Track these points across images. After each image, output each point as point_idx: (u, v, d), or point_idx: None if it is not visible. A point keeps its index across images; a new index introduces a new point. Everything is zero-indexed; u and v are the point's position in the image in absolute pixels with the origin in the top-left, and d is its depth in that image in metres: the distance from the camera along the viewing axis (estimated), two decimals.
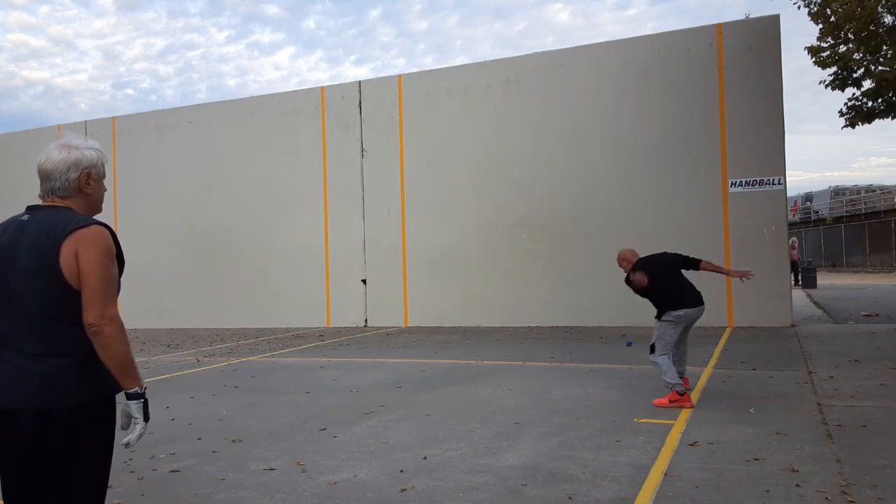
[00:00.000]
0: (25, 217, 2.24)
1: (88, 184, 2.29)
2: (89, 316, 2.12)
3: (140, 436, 2.25)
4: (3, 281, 2.17)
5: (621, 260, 6.50)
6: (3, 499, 2.21)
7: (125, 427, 2.27)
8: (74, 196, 2.27)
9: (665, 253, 6.63)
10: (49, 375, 2.12)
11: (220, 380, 8.15)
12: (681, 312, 6.08)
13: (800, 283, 22.98)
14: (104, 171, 2.36)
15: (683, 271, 6.51)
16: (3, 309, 2.18)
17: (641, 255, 6.52)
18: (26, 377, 2.12)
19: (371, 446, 4.89)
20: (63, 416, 2.12)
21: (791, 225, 27.06)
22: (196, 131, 16.43)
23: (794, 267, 23.56)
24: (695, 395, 6.20)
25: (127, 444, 2.22)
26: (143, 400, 2.24)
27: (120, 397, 2.27)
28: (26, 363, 2.13)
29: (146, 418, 2.26)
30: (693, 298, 6.21)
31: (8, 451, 2.14)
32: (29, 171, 17.13)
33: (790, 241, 24.07)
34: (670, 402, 5.85)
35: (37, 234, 2.16)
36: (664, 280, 6.24)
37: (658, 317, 6.21)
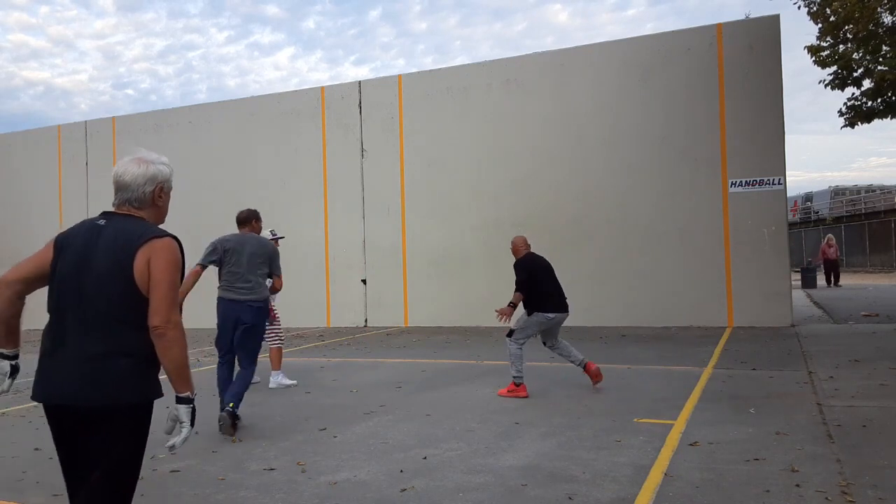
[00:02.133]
0: (101, 222, 2.38)
1: (161, 196, 2.49)
2: (155, 319, 2.24)
3: (185, 440, 2.35)
4: (75, 281, 2.29)
5: (516, 247, 6.93)
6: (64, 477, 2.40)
7: (169, 432, 2.34)
8: (148, 207, 2.45)
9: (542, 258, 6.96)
10: (107, 374, 2.23)
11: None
12: (551, 315, 6.58)
13: (839, 283, 21.01)
14: (172, 185, 2.55)
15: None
16: (71, 306, 2.28)
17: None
18: (83, 375, 2.22)
19: (371, 446, 4.89)
20: (113, 414, 2.24)
21: (791, 225, 26.94)
22: (196, 131, 16.43)
23: (834, 267, 21.26)
24: (695, 395, 6.20)
25: (172, 448, 2.33)
26: (192, 406, 2.33)
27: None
28: (86, 362, 2.23)
29: (192, 423, 2.35)
30: (563, 304, 6.73)
31: (59, 440, 2.32)
32: (29, 171, 17.17)
33: (826, 239, 21.98)
34: (508, 391, 6.50)
35: (114, 239, 2.31)
36: (548, 281, 6.71)
37: (528, 313, 6.62)
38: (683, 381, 6.93)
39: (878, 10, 11.01)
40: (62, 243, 2.37)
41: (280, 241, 8.37)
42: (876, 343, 9.05)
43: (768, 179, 11.79)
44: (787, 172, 12.52)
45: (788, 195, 12.64)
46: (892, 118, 12.74)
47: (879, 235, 31.88)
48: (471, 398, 6.51)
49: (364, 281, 14.72)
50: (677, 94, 12.41)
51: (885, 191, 39.65)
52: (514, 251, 6.93)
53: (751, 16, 12.46)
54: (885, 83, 11.64)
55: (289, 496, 3.90)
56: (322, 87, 15.25)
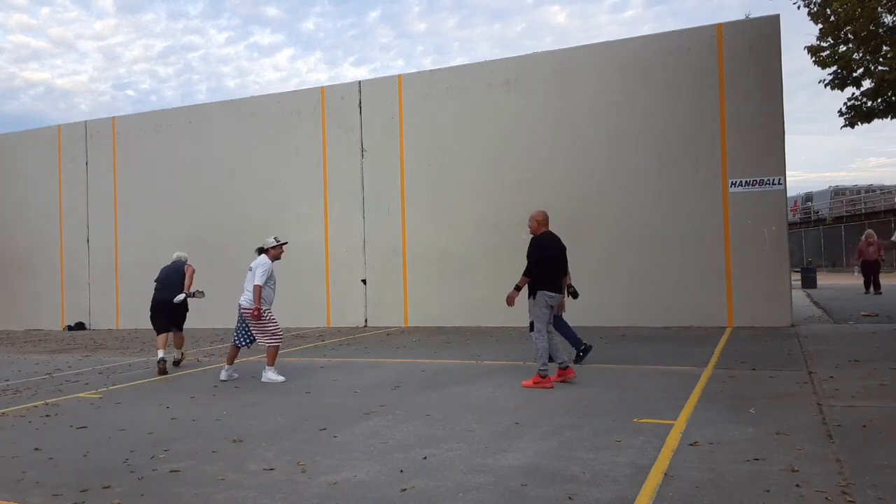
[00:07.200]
0: (171, 264, 9.61)
1: (187, 264, 9.69)
2: (189, 288, 9.53)
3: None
4: (164, 282, 9.47)
5: (535, 221, 7.36)
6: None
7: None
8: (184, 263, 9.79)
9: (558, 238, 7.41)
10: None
11: (220, 379, 8.15)
12: (552, 294, 6.94)
13: (880, 290, 17.20)
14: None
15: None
16: (163, 289, 9.48)
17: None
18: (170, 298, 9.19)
19: (371, 446, 4.89)
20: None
21: (791, 225, 26.84)
22: (196, 131, 16.44)
23: (875, 270, 17.30)
24: (695, 395, 6.20)
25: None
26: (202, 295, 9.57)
27: None
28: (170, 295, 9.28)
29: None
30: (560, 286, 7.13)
31: (163, 313, 9.22)
32: (29, 171, 17.14)
33: (865, 236, 18.14)
34: (534, 383, 6.78)
35: (176, 267, 9.56)
36: (555, 262, 7.11)
37: (531, 296, 6.95)
38: (683, 381, 6.93)
39: (879, 10, 11.02)
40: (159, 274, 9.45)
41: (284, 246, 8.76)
42: (876, 343, 9.05)
43: (768, 179, 11.79)
44: (787, 172, 12.51)
45: (788, 195, 12.64)
46: (892, 118, 12.76)
47: (880, 235, 31.82)
48: (471, 398, 6.51)
49: (364, 281, 14.72)
50: (677, 95, 12.41)
51: (885, 191, 39.69)
52: (534, 224, 7.32)
53: (750, 16, 12.47)
54: (885, 83, 11.65)
55: (289, 496, 3.90)
56: (322, 88, 15.25)
